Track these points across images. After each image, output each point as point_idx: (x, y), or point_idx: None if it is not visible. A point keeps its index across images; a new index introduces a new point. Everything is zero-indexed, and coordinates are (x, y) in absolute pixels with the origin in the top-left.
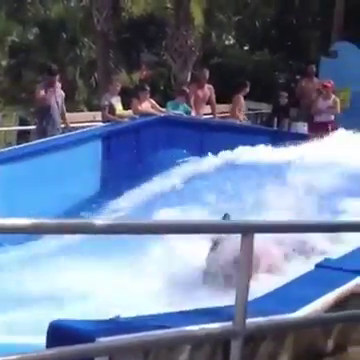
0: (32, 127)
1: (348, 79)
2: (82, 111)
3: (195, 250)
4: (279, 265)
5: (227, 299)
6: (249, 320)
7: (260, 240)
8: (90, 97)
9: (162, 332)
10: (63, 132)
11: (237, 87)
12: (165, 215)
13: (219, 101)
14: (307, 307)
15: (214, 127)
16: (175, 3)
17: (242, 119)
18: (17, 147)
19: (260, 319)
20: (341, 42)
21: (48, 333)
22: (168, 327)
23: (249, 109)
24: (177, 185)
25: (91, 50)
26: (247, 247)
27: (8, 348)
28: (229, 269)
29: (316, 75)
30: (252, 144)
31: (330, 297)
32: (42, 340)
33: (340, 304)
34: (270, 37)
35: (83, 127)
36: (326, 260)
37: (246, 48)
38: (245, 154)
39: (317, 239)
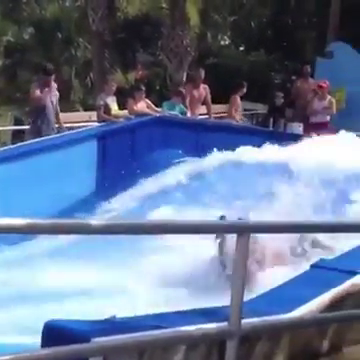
0: (27, 127)
1: (343, 80)
2: (77, 111)
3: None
4: (286, 257)
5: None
6: (244, 320)
7: None
8: (85, 97)
9: (157, 332)
10: (58, 132)
11: (234, 87)
12: (160, 215)
13: (214, 101)
14: (302, 307)
15: (210, 127)
16: (170, 3)
17: (239, 120)
18: (12, 147)
19: (255, 319)
20: (337, 43)
21: (43, 333)
22: (163, 327)
23: (245, 109)
24: (172, 185)
25: (86, 50)
26: (242, 247)
27: (1, 348)
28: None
29: (312, 76)
30: (248, 144)
31: (325, 297)
32: (37, 340)
33: (335, 304)
34: (266, 37)
35: (78, 127)
36: (321, 260)
37: (242, 48)
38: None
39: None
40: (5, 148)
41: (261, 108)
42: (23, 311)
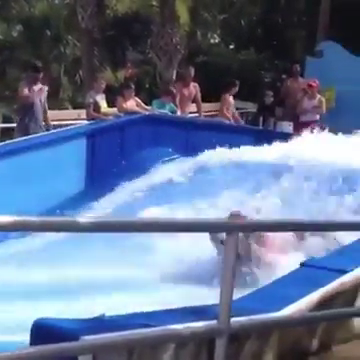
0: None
1: (333, 79)
2: (66, 109)
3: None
4: (292, 245)
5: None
6: (234, 319)
7: None
8: (75, 95)
9: (146, 331)
10: (47, 130)
11: (225, 86)
12: (150, 213)
13: (204, 100)
14: (292, 306)
15: (199, 126)
16: (160, 1)
17: (230, 117)
18: (0, 144)
19: (245, 318)
20: (326, 42)
21: (32, 331)
22: (153, 326)
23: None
24: (162, 183)
25: (75, 47)
26: (231, 245)
27: None
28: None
29: (301, 75)
30: (237, 143)
31: (314, 296)
32: (26, 338)
33: (324, 303)
34: (256, 36)
35: (67, 125)
36: (311, 259)
37: (232, 47)
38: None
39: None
40: None
41: (251, 107)
42: (11, 309)
